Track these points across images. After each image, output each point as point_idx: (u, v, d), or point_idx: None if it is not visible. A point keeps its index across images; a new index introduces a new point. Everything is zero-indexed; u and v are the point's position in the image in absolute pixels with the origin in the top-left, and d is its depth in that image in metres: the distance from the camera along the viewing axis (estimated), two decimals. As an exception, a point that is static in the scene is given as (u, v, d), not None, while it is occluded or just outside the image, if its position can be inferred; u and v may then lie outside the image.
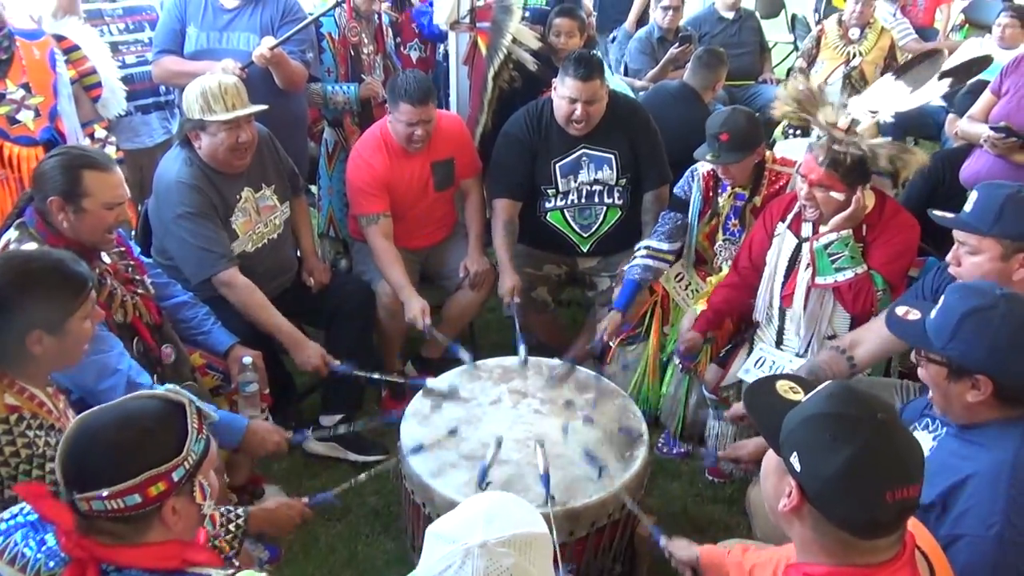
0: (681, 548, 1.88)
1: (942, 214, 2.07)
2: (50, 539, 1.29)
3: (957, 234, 2.00)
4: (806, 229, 2.52)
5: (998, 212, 1.91)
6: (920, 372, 1.67)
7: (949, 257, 2.04)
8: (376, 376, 2.66)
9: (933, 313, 1.63)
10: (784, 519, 1.30)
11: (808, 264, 2.48)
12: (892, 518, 1.21)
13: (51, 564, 1.27)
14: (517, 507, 1.31)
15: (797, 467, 1.23)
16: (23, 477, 1.57)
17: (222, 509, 1.84)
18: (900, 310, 1.74)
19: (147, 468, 1.25)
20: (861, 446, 1.19)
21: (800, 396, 1.33)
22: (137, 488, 1.24)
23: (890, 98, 2.49)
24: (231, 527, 1.82)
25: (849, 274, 2.40)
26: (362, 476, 2.23)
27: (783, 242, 2.59)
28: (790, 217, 2.58)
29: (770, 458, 1.34)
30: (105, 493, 1.22)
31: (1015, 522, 1.45)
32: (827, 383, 1.32)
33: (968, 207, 1.99)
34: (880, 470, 1.19)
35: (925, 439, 1.70)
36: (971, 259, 1.96)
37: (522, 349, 2.63)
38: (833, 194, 2.37)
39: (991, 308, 1.55)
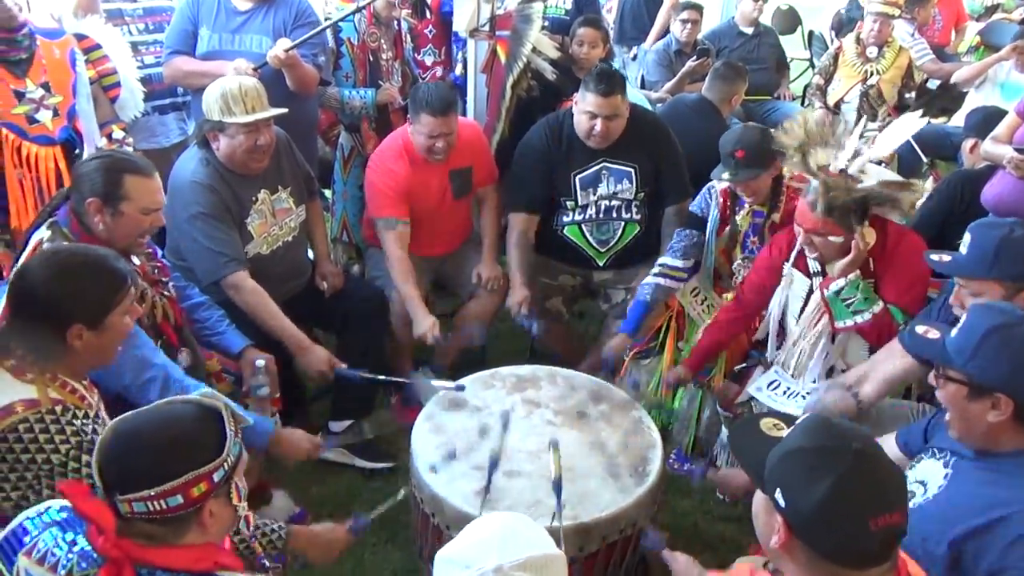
0: (682, 571, 1.84)
1: (939, 257, 2.04)
2: (81, 540, 1.29)
3: (957, 277, 1.98)
4: (813, 265, 2.49)
5: (994, 254, 1.89)
6: (938, 393, 1.65)
7: (952, 299, 2.03)
8: (382, 378, 2.63)
9: (954, 332, 1.62)
10: (777, 557, 1.31)
11: (823, 312, 2.44)
12: (878, 546, 1.22)
13: (83, 565, 1.27)
14: (529, 529, 1.29)
15: (782, 503, 1.25)
16: (73, 464, 1.59)
17: (261, 522, 1.84)
18: (920, 328, 1.72)
19: (189, 470, 1.26)
20: (839, 477, 1.20)
21: (783, 432, 1.34)
22: (180, 489, 1.25)
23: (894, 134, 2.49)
24: (264, 541, 1.82)
25: (867, 315, 2.37)
26: (400, 494, 2.14)
27: (792, 283, 2.56)
28: (793, 256, 2.55)
29: (759, 496, 1.35)
30: (151, 493, 1.23)
31: None
32: (805, 416, 1.34)
33: (963, 249, 1.97)
34: (860, 499, 1.20)
35: (936, 468, 1.68)
36: (974, 301, 1.93)
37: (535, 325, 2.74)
38: (831, 238, 2.34)
39: (1015, 326, 1.54)
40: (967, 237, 1.97)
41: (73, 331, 1.66)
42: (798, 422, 1.33)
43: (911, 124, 2.54)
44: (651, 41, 5.39)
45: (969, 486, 1.59)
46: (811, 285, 2.50)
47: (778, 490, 1.25)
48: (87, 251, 1.82)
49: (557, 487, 1.96)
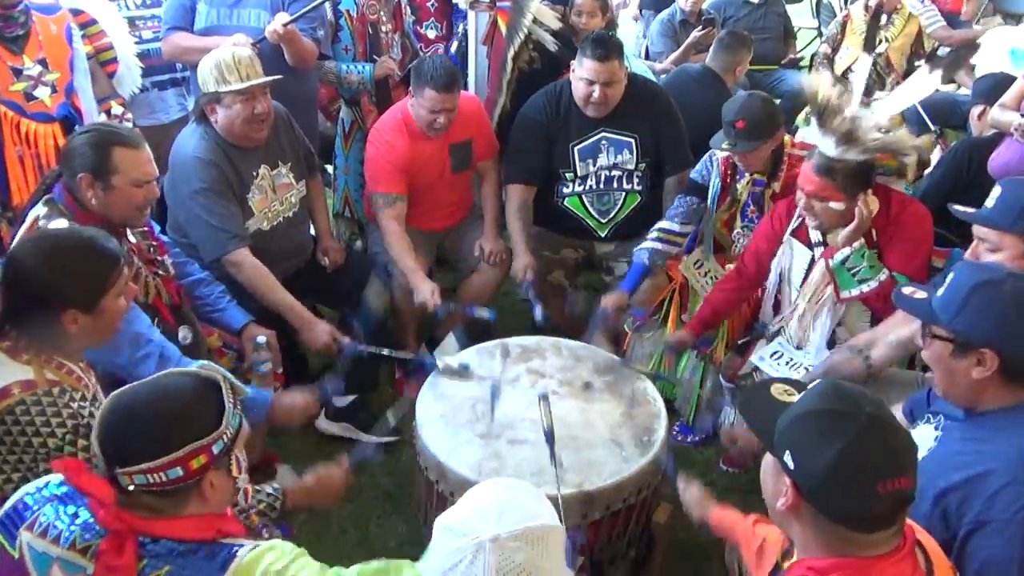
0: (694, 500, 1.97)
1: (963, 209, 2.04)
2: (83, 513, 1.30)
3: (977, 230, 1.98)
4: (815, 236, 2.47)
5: (1021, 208, 1.88)
6: (924, 353, 1.67)
7: (968, 254, 2.02)
8: (386, 352, 2.62)
9: (940, 291, 1.62)
10: (783, 519, 1.32)
11: (828, 282, 2.42)
12: (887, 510, 1.22)
13: (87, 536, 1.27)
14: (528, 497, 1.28)
15: (791, 465, 1.25)
16: (69, 448, 1.58)
17: (256, 488, 1.84)
18: (907, 290, 1.73)
19: (188, 442, 1.26)
20: (850, 440, 1.20)
21: (794, 398, 1.34)
22: (180, 461, 1.26)
23: (909, 92, 2.43)
24: (262, 507, 1.81)
25: (873, 284, 2.35)
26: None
27: (793, 253, 2.54)
28: (793, 226, 2.52)
29: (767, 459, 1.35)
30: (148, 466, 1.24)
31: None
32: (817, 381, 1.33)
33: (990, 202, 1.96)
34: (870, 463, 1.20)
35: (928, 432, 1.69)
36: (991, 256, 1.93)
37: (538, 311, 2.72)
38: (832, 204, 2.31)
39: (1000, 282, 1.55)
40: (996, 190, 1.96)
41: (67, 316, 1.64)
42: (810, 387, 1.32)
43: (924, 84, 2.48)
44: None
45: (955, 444, 1.60)
46: (812, 256, 2.47)
47: (787, 452, 1.25)
48: (76, 234, 1.79)
49: (549, 437, 1.96)
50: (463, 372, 2.41)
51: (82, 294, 1.65)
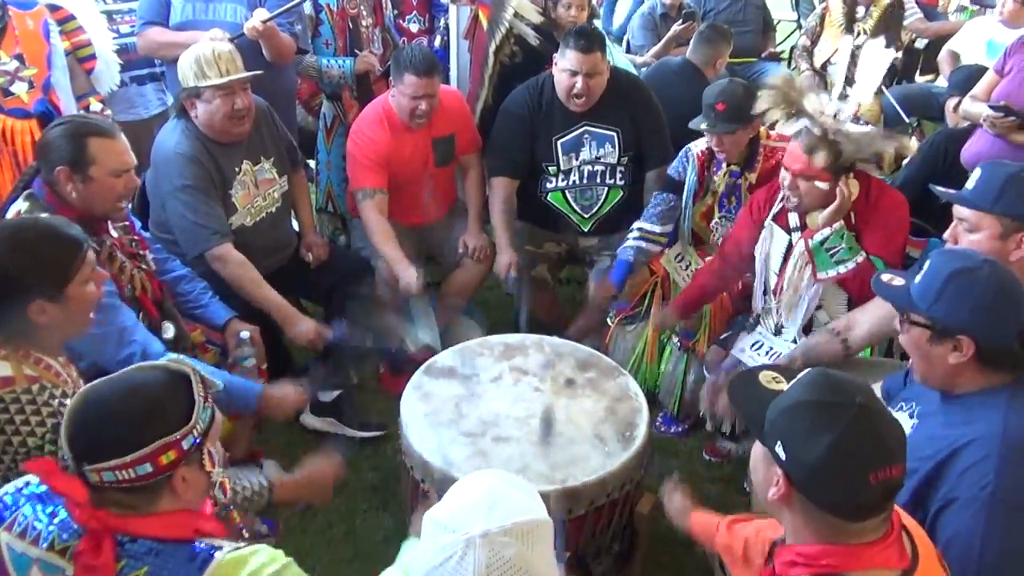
0: (676, 511, 1.97)
1: (944, 189, 2.08)
2: (62, 512, 1.28)
3: (957, 211, 2.01)
4: (793, 220, 2.50)
5: (1000, 190, 1.91)
6: (902, 338, 1.70)
7: (947, 235, 2.05)
8: (370, 345, 2.62)
9: (917, 278, 1.66)
10: (774, 507, 1.33)
11: (807, 262, 2.46)
12: (877, 499, 1.24)
13: (65, 536, 1.26)
14: (517, 491, 1.28)
15: (782, 456, 1.26)
16: (50, 447, 1.56)
17: (244, 477, 1.83)
18: (885, 277, 1.76)
19: (157, 437, 1.25)
20: (841, 431, 1.21)
21: (783, 385, 1.35)
22: (148, 457, 1.24)
23: (872, 65, 2.46)
24: (246, 493, 1.81)
25: (850, 264, 2.39)
26: None
27: (773, 237, 2.57)
28: (774, 211, 2.56)
29: (758, 448, 1.36)
30: (116, 463, 1.22)
31: (1007, 480, 1.47)
32: (807, 371, 1.34)
33: (970, 184, 1.99)
34: (861, 453, 1.22)
35: (902, 419, 1.72)
36: (969, 237, 1.97)
37: (523, 316, 2.62)
38: (817, 184, 2.34)
39: (976, 270, 1.59)
40: (976, 172, 1.99)
41: (34, 307, 1.60)
42: (799, 376, 1.33)
43: (881, 55, 2.51)
44: None
45: (933, 429, 1.64)
46: (790, 240, 2.51)
47: (779, 443, 1.26)
48: (35, 222, 1.76)
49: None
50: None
51: (46, 283, 1.62)
